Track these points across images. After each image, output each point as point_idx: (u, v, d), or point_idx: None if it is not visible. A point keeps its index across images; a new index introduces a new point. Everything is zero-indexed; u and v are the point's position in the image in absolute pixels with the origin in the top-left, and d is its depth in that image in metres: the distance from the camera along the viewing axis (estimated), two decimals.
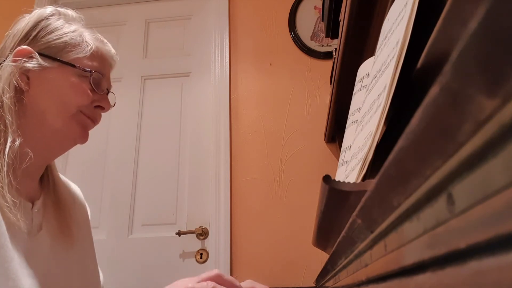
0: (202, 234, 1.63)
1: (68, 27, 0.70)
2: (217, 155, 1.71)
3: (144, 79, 1.91)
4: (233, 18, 1.92)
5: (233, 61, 1.85)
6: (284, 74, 1.81)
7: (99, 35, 0.75)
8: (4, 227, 0.58)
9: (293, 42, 1.84)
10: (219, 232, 1.60)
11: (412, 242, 0.17)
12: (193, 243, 1.63)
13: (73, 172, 1.70)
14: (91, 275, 0.77)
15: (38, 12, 0.71)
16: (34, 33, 0.68)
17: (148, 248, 1.64)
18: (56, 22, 0.70)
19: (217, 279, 0.59)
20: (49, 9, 0.72)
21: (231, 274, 1.55)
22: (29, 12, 0.72)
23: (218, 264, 1.56)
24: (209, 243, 1.62)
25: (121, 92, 1.87)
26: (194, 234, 1.63)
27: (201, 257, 1.61)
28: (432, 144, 0.13)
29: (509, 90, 0.09)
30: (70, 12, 0.74)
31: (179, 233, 1.60)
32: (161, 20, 2.02)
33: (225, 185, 1.66)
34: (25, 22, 0.69)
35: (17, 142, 0.61)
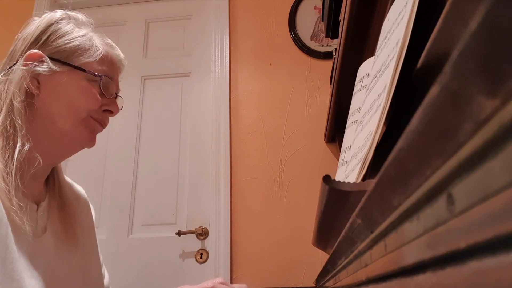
0: (202, 234, 1.63)
1: (78, 32, 0.70)
2: (217, 155, 1.71)
3: (144, 79, 1.91)
4: (233, 18, 1.92)
5: (233, 61, 1.85)
6: (284, 74, 1.81)
7: (108, 39, 0.75)
8: (10, 229, 0.58)
9: (293, 42, 1.84)
10: (219, 232, 1.60)
11: (412, 242, 0.17)
12: (193, 243, 1.63)
13: (73, 172, 1.70)
14: (93, 279, 0.77)
15: (48, 16, 0.71)
16: (44, 37, 0.68)
17: (148, 248, 1.64)
18: (66, 26, 0.70)
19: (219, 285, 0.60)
20: (59, 13, 0.72)
21: (231, 274, 1.55)
22: (39, 15, 0.72)
23: (218, 264, 1.56)
24: (209, 243, 1.62)
25: (121, 92, 1.86)
26: (194, 234, 1.63)
27: (201, 257, 1.61)
28: (432, 144, 0.13)
29: (509, 90, 0.09)
30: (80, 16, 0.75)
31: (179, 233, 1.60)
32: (161, 20, 2.02)
33: (225, 185, 1.66)
34: (35, 25, 0.69)
35: (26, 147, 0.61)
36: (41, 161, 0.63)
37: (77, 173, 1.76)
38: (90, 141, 0.71)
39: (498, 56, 0.09)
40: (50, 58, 0.66)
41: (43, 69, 0.65)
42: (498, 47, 0.09)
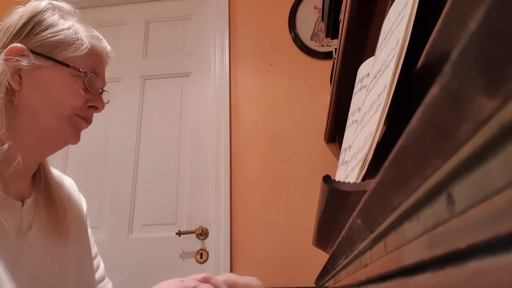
0: (202, 234, 1.63)
1: (63, 24, 0.67)
2: (217, 155, 1.71)
3: (144, 79, 1.91)
4: (233, 18, 1.92)
5: (233, 61, 1.85)
6: (284, 74, 1.81)
7: (95, 31, 0.72)
8: None
9: (293, 42, 1.84)
10: (219, 232, 1.60)
11: (412, 242, 0.17)
12: (193, 243, 1.63)
13: (73, 172, 1.70)
14: (86, 273, 0.75)
15: (32, 6, 0.67)
16: (27, 29, 0.65)
17: (148, 248, 1.64)
18: (50, 18, 0.66)
19: (204, 280, 0.58)
20: (43, 3, 0.68)
21: None
22: (23, 4, 0.69)
23: (218, 264, 1.56)
24: (209, 243, 1.62)
25: (121, 92, 1.87)
26: (194, 234, 1.63)
27: (201, 257, 1.61)
28: (432, 144, 0.13)
29: (509, 90, 0.09)
30: (65, 6, 0.71)
31: (179, 233, 1.60)
32: (161, 20, 2.02)
33: (225, 185, 1.66)
34: (19, 15, 0.66)
35: (6, 145, 0.59)
36: (20, 160, 0.61)
37: (77, 173, 1.77)
38: (74, 138, 0.69)
39: (498, 56, 0.09)
40: (33, 52, 0.63)
41: (25, 64, 0.62)
42: (498, 47, 0.09)
